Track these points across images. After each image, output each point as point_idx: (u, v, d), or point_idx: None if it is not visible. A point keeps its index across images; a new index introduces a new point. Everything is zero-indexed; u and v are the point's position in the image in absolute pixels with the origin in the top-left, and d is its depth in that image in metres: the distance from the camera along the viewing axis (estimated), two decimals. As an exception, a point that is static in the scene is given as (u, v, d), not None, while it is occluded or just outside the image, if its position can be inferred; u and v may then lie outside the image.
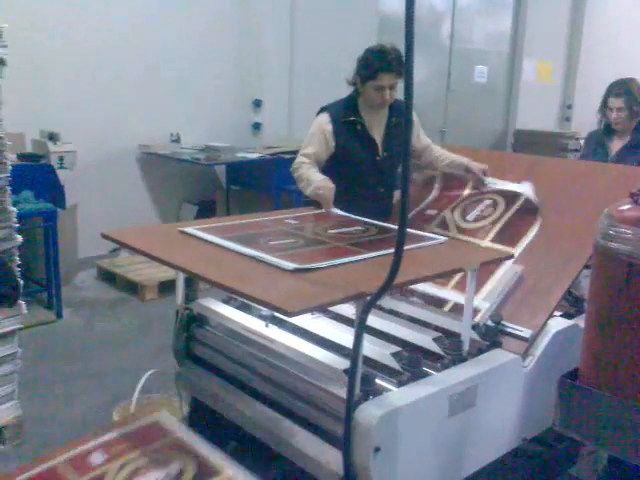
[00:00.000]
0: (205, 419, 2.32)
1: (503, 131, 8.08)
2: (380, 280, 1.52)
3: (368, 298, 1.55)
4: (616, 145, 3.48)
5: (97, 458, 1.95)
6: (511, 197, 2.61)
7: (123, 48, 5.10)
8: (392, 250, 1.91)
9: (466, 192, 2.77)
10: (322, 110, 2.86)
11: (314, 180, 2.67)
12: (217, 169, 5.78)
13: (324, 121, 2.80)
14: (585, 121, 8.39)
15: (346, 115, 2.80)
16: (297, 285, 1.65)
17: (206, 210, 5.75)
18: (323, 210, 2.60)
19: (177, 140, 5.54)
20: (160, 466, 1.87)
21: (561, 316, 2.27)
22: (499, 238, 2.45)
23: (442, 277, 2.10)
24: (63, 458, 1.97)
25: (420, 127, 2.97)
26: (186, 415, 2.45)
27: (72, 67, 4.90)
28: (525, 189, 2.58)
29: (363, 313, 1.57)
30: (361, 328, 1.58)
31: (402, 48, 2.71)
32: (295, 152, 5.18)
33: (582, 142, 7.70)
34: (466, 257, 1.99)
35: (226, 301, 2.33)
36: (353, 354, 1.60)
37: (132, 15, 5.12)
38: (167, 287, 4.65)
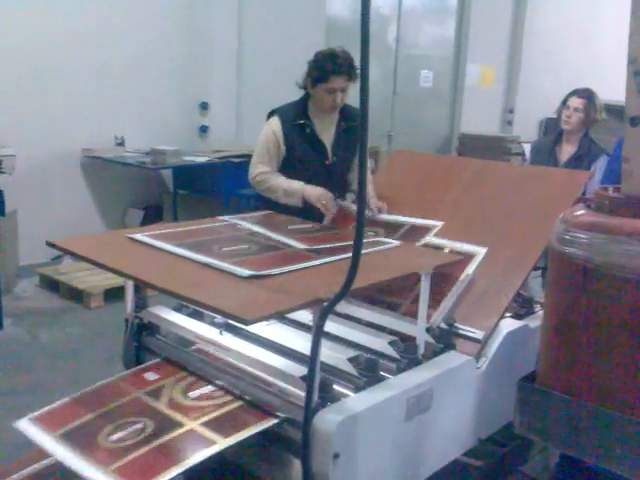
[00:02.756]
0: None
1: (448, 135, 8.22)
2: (337, 286, 1.51)
3: (325, 304, 1.54)
4: (564, 154, 3.57)
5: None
6: (392, 228, 2.56)
7: (66, 49, 4.96)
8: (347, 255, 1.93)
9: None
10: (272, 113, 2.84)
11: (294, 189, 2.70)
12: (164, 173, 5.68)
13: (274, 125, 2.78)
14: (526, 125, 8.69)
15: (296, 118, 2.79)
16: (253, 292, 1.62)
17: (153, 215, 5.65)
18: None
19: (122, 143, 5.41)
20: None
21: (511, 317, 2.31)
22: None
23: (397, 281, 2.10)
24: None
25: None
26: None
27: (11, 68, 4.73)
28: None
29: (320, 319, 1.55)
30: (318, 334, 1.57)
31: (351, 51, 2.74)
32: (244, 156, 5.22)
33: (524, 146, 7.98)
34: (420, 261, 2.01)
35: (177, 309, 2.28)
36: (311, 361, 1.58)
37: (76, 15, 4.97)
38: (113, 294, 4.54)
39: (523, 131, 8.38)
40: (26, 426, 1.77)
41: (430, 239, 2.45)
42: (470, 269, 2.29)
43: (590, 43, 8.97)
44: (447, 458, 2.03)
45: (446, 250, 2.40)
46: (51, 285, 4.84)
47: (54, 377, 3.42)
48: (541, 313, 2.43)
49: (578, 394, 1.14)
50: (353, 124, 2.87)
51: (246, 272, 1.70)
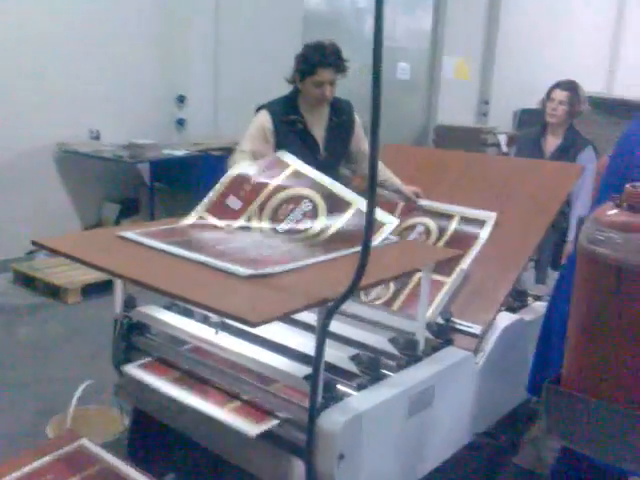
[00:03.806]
0: (149, 430, 2.22)
1: (425, 126, 8.22)
2: (340, 283, 1.48)
3: (331, 304, 1.51)
4: (550, 145, 3.59)
5: None
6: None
7: (37, 38, 4.80)
8: (347, 251, 1.90)
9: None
10: (261, 108, 2.78)
11: None
12: (140, 166, 5.55)
13: (264, 119, 2.72)
14: (501, 116, 8.74)
15: (286, 113, 2.74)
16: (256, 292, 1.58)
17: (129, 209, 5.54)
18: None
19: (97, 137, 5.28)
20: None
21: (505, 310, 2.31)
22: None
23: (400, 278, 2.08)
24: None
25: (362, 131, 2.95)
26: (127, 426, 2.34)
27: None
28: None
29: (326, 319, 1.52)
30: (323, 334, 1.54)
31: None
32: (224, 149, 5.13)
33: (500, 137, 8.02)
34: (421, 257, 1.98)
35: (168, 307, 2.23)
36: (315, 361, 1.55)
37: (48, 3, 4.83)
38: (91, 290, 4.45)
39: (498, 122, 8.44)
40: None
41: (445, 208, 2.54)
42: (484, 234, 2.37)
43: (564, 35, 9.05)
44: (447, 454, 2.02)
45: (455, 219, 2.49)
46: (26, 281, 4.71)
47: (34, 374, 3.33)
48: (534, 306, 2.45)
49: (608, 398, 1.12)
50: (344, 118, 2.84)
51: (246, 271, 1.66)
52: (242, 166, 2.63)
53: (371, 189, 1.33)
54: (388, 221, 2.06)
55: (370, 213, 1.35)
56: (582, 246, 1.14)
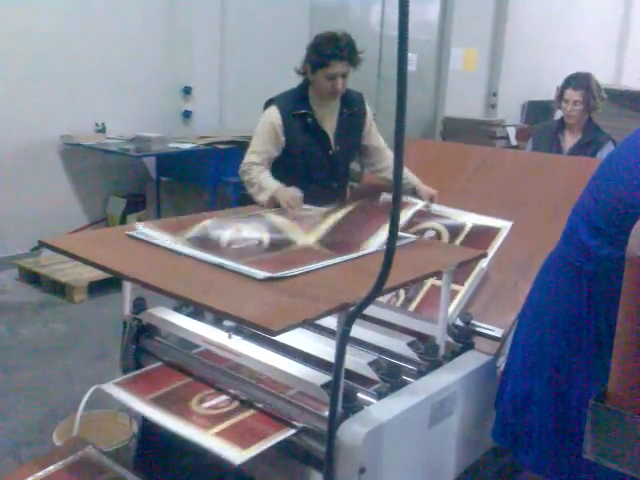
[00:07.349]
0: (157, 439, 2.15)
1: (432, 119, 8.12)
2: (360, 287, 1.42)
3: (352, 308, 1.44)
4: (568, 141, 3.49)
5: None
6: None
7: (42, 31, 4.72)
8: (363, 252, 1.83)
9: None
10: (270, 102, 2.69)
11: (268, 187, 2.52)
12: (146, 160, 5.48)
13: (273, 115, 2.63)
14: (509, 108, 8.62)
15: (296, 107, 2.64)
16: (273, 297, 1.50)
17: (135, 203, 5.47)
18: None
19: (102, 130, 5.21)
20: None
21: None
22: None
23: (420, 281, 2.01)
24: None
25: (374, 124, 2.85)
26: (136, 433, 2.27)
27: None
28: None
29: (347, 325, 1.45)
30: (344, 340, 1.47)
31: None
32: (231, 142, 5.06)
33: (509, 130, 7.89)
34: (442, 258, 1.90)
35: (177, 308, 2.16)
36: (335, 368, 1.48)
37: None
38: (97, 287, 4.38)
39: (506, 115, 8.32)
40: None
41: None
42: (496, 244, 2.22)
43: (572, 25, 8.91)
44: (468, 462, 1.95)
45: (468, 226, 2.37)
46: (31, 278, 4.64)
47: (39, 376, 3.27)
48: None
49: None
50: (355, 110, 2.75)
51: (261, 274, 1.58)
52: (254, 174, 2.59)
53: (397, 191, 1.25)
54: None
55: (395, 213, 1.27)
56: (633, 253, 1.04)
